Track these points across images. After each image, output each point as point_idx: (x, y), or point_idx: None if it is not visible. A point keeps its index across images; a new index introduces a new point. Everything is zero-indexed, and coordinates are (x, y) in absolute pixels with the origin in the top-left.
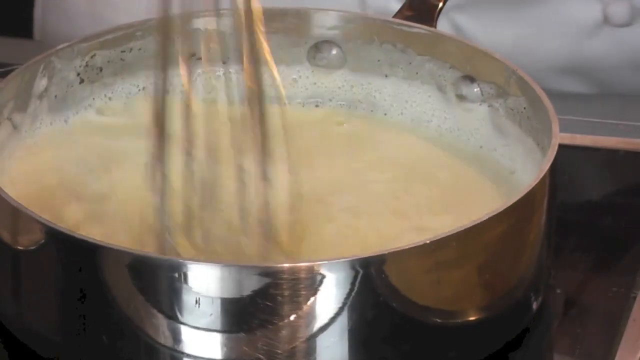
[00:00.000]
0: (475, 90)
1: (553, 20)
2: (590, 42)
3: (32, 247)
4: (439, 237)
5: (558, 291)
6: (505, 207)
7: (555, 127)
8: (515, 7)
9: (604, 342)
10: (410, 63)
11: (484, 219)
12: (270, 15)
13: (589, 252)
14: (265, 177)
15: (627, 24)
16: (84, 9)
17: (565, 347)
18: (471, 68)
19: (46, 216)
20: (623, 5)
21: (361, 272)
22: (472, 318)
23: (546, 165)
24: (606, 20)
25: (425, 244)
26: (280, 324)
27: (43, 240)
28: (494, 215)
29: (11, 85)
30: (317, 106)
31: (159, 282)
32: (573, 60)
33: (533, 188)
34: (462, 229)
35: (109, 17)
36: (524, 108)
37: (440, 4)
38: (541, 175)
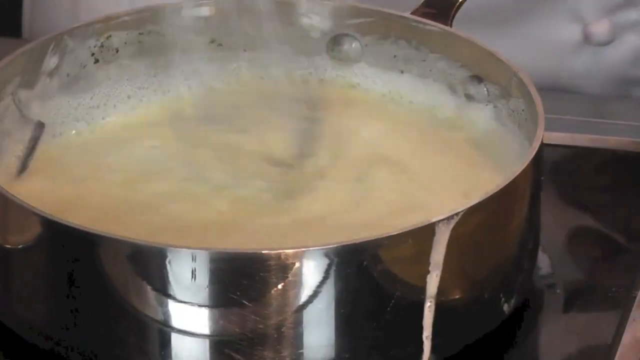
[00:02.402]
0: (483, 90)
1: (534, 40)
2: (571, 61)
3: (27, 239)
4: (415, 227)
5: (558, 291)
6: (466, 206)
7: (540, 130)
8: (496, 26)
9: (603, 342)
10: (424, 60)
11: (461, 209)
12: (290, 6)
13: (589, 252)
14: None
15: (607, 43)
16: (67, 8)
17: (565, 347)
18: (479, 68)
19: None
20: (603, 24)
21: (335, 260)
22: (442, 310)
23: (519, 168)
24: (587, 40)
25: (401, 233)
26: (265, 306)
27: (37, 231)
28: (470, 207)
29: (17, 61)
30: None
31: (151, 268)
32: (555, 79)
33: (499, 190)
34: (438, 219)
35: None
36: (522, 110)
37: (459, 1)
38: (510, 178)
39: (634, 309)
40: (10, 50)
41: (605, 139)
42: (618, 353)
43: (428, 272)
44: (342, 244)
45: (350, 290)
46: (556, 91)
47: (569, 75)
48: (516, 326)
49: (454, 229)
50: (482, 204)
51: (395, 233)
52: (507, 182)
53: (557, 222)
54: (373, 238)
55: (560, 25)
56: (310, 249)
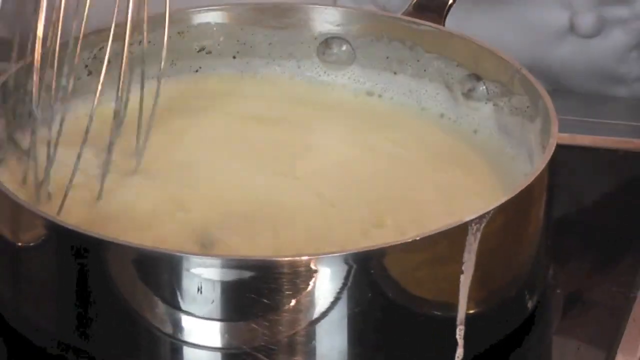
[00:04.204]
0: (482, 88)
1: (521, 24)
2: (555, 48)
3: (34, 243)
4: (448, 227)
5: (558, 291)
6: (497, 205)
7: (555, 127)
8: (483, 9)
9: (604, 342)
10: (418, 60)
11: (492, 208)
12: (281, 11)
13: (589, 252)
14: None
15: (593, 35)
16: None
17: (566, 347)
18: (478, 66)
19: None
20: (590, 15)
21: (354, 266)
22: (467, 312)
23: (541, 165)
24: (572, 29)
25: (434, 234)
26: (279, 314)
27: (45, 236)
28: (500, 205)
29: (13, 76)
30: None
31: (161, 275)
32: (538, 67)
33: (526, 187)
34: (470, 218)
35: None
36: (527, 107)
37: (450, 1)
38: (535, 175)
39: (634, 309)
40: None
41: (605, 139)
42: (618, 353)
43: (461, 271)
44: (374, 248)
45: (382, 295)
46: (556, 91)
47: (552, 63)
48: (517, 326)
49: (485, 227)
50: (510, 202)
51: (428, 234)
52: (531, 180)
53: (557, 222)
54: (405, 241)
55: (549, 10)
56: (329, 255)
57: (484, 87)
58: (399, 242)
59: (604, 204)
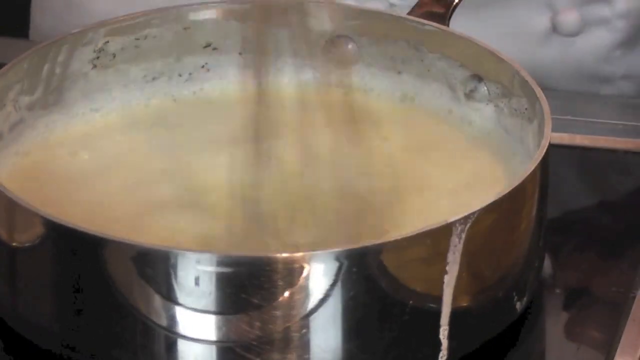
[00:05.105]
0: (483, 89)
1: (505, 27)
2: (540, 50)
3: (31, 241)
4: (432, 227)
5: (557, 291)
6: (482, 206)
7: (548, 129)
8: (466, 12)
9: (603, 342)
10: (422, 60)
11: (477, 209)
12: (285, 9)
13: (589, 252)
14: None
15: (576, 34)
16: (73, 8)
17: (565, 346)
18: (479, 67)
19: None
20: (572, 14)
21: (345, 263)
22: (452, 313)
23: (531, 166)
24: (554, 29)
25: (418, 234)
26: (273, 310)
27: (42, 234)
28: (486, 206)
29: (17, 69)
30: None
31: (156, 271)
32: (524, 67)
33: (514, 189)
34: (455, 219)
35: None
36: (526, 109)
37: (456, 1)
38: (524, 176)
39: (633, 309)
40: (17, 51)
41: (605, 139)
42: (618, 353)
43: (445, 272)
44: (360, 246)
45: (365, 294)
46: (555, 91)
47: (537, 65)
48: (517, 327)
49: (470, 228)
50: (496, 203)
51: (412, 234)
52: (520, 181)
53: (556, 221)
54: (389, 240)
55: (531, 12)
56: (320, 252)
57: (485, 88)
58: (383, 241)
59: (604, 204)
